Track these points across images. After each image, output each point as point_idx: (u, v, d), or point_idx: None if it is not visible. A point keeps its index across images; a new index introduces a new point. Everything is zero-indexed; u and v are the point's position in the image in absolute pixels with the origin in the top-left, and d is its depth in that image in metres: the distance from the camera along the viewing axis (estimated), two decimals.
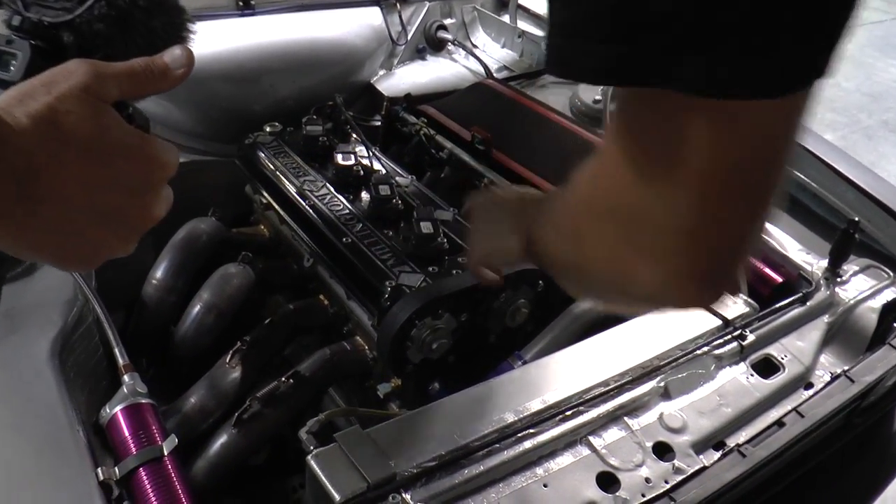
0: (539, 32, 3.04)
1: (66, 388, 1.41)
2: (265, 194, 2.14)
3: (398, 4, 2.92)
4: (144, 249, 2.42)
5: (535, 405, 1.45)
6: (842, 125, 6.48)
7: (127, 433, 1.37)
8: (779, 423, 1.59)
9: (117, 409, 1.41)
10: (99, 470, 1.28)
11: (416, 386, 1.78)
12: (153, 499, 1.29)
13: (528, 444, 1.40)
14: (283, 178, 2.09)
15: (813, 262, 2.03)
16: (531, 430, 1.41)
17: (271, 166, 2.14)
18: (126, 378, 1.45)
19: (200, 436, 1.71)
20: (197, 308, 1.88)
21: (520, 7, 3.11)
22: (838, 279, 1.96)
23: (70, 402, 1.38)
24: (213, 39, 2.46)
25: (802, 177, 2.29)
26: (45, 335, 1.48)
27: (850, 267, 1.99)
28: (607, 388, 1.52)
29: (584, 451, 1.45)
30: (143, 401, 1.43)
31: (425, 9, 3.02)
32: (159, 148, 0.73)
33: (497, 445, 1.37)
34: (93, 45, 1.05)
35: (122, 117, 0.69)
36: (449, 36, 3.04)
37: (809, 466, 1.67)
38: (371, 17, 2.83)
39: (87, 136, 0.65)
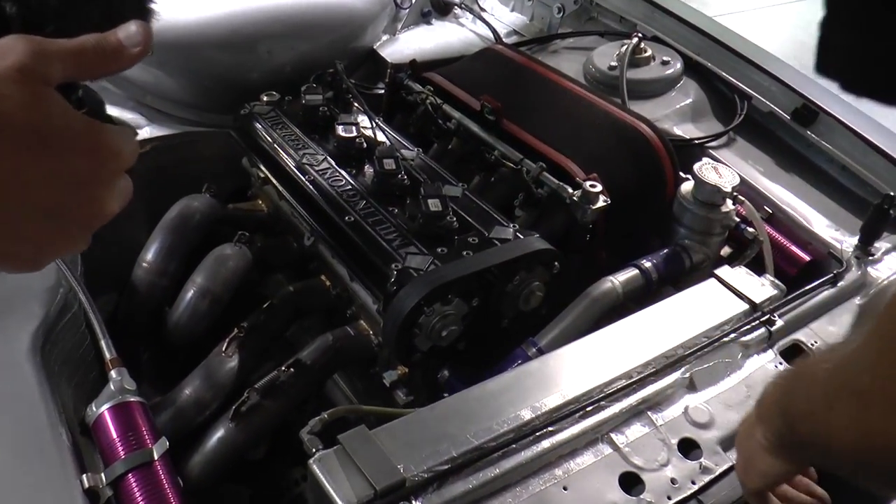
0: None
1: (48, 385, 1.31)
2: (263, 168, 2.02)
3: None
4: (137, 226, 2.30)
5: (554, 400, 1.36)
6: None
7: (114, 435, 1.27)
8: None
9: (104, 408, 1.31)
10: (84, 476, 1.19)
11: (424, 374, 1.68)
12: None
13: (546, 444, 1.31)
14: (281, 150, 1.97)
15: (843, 240, 1.92)
16: (550, 429, 1.32)
17: (269, 138, 2.02)
18: (113, 374, 1.35)
19: (196, 429, 1.61)
20: (190, 293, 1.77)
21: None
22: (870, 258, 1.85)
23: (53, 400, 1.28)
24: (207, 3, 2.33)
25: (830, 147, 2.16)
26: (25, 328, 1.38)
27: (882, 244, 1.88)
28: (629, 381, 1.42)
29: (605, 449, 1.35)
30: (132, 399, 1.33)
31: None
32: (113, 136, 0.64)
33: (514, 446, 1.27)
34: (41, 17, 0.92)
35: (70, 102, 0.60)
36: None
37: None
38: None
39: (26, 123, 0.57)
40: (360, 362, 1.79)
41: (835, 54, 0.71)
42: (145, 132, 2.23)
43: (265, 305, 1.76)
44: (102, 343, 1.39)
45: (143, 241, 2.27)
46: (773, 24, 7.56)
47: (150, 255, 1.83)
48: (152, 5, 0.96)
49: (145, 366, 1.91)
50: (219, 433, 1.57)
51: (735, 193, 1.89)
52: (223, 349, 1.67)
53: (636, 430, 1.39)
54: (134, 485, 1.22)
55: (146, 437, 1.28)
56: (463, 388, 1.60)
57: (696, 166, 1.89)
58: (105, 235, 1.85)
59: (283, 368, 1.62)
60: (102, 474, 1.22)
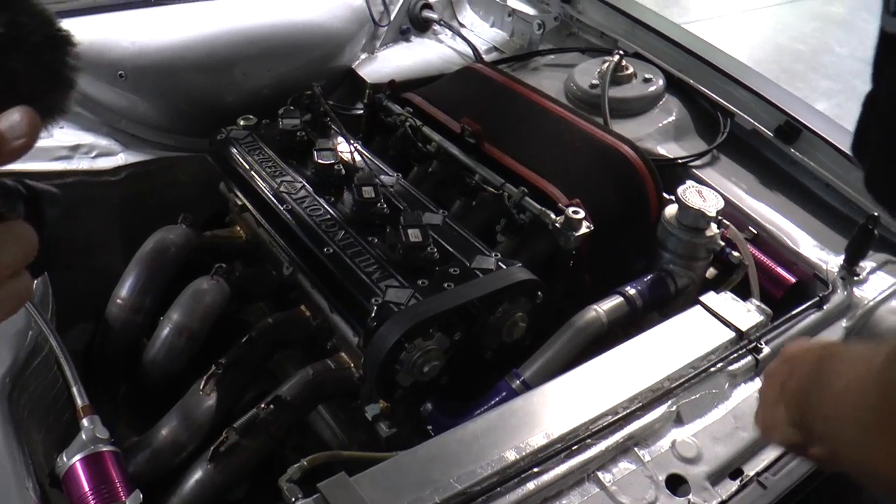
0: (530, 10, 2.87)
1: (15, 436, 1.26)
2: (239, 195, 1.98)
3: None
4: (111, 253, 2.26)
5: (538, 440, 1.33)
6: (836, 92, 6.31)
7: (86, 488, 1.23)
8: None
9: (75, 459, 1.26)
10: None
11: (406, 407, 1.64)
12: None
13: (531, 486, 1.28)
14: (258, 177, 1.94)
15: (828, 260, 1.90)
16: (535, 470, 1.29)
17: (245, 164, 1.98)
18: (85, 422, 1.31)
19: (173, 471, 1.56)
20: (166, 330, 1.73)
21: None
22: (855, 278, 1.83)
23: (20, 452, 1.24)
24: (182, 25, 2.29)
25: (813, 164, 2.15)
26: None
27: (867, 264, 1.87)
28: (616, 417, 1.40)
29: (592, 489, 1.32)
30: (105, 448, 1.28)
31: None
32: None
33: (498, 489, 1.25)
34: None
35: None
36: (434, 15, 2.86)
37: (836, 494, 1.55)
38: None
39: None
40: (342, 395, 1.75)
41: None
42: (120, 158, 2.18)
43: (244, 340, 1.71)
44: (74, 390, 1.35)
45: (118, 269, 2.23)
46: (753, 28, 7.59)
47: (124, 291, 1.78)
48: (71, 74, 0.79)
49: (121, 401, 1.87)
50: (197, 475, 1.53)
51: (719, 217, 1.86)
52: (201, 387, 1.62)
53: (623, 468, 1.36)
54: None
55: (119, 489, 1.24)
56: (446, 421, 1.59)
57: (679, 190, 1.87)
58: (79, 264, 1.82)
59: (263, 406, 1.58)
60: None
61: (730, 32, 7.19)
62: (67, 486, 1.26)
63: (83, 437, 1.29)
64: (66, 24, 2.19)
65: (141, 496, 1.23)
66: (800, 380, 0.95)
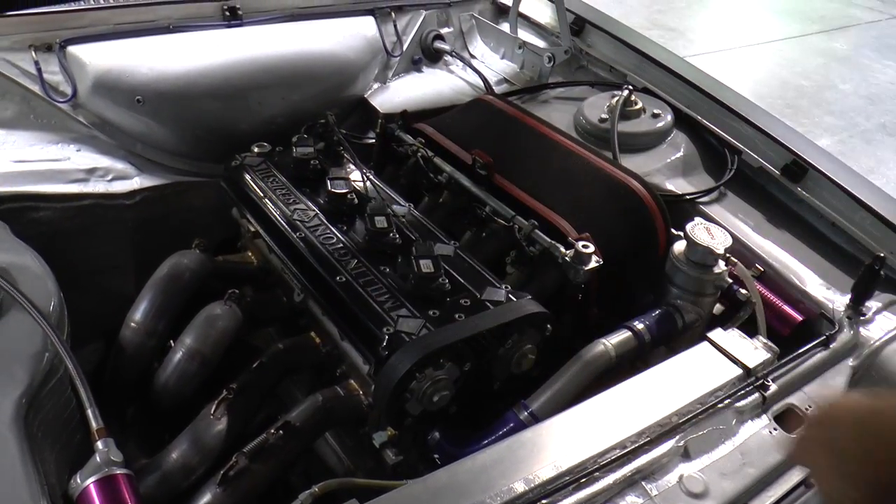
0: (541, 43, 2.91)
1: (30, 456, 1.27)
2: (252, 221, 2.00)
3: (393, 13, 2.79)
4: (124, 275, 2.29)
5: (547, 472, 1.34)
6: (839, 129, 6.38)
7: None
8: (806, 484, 1.49)
9: (89, 481, 1.27)
10: None
11: (414, 436, 1.65)
12: None
13: None
14: (271, 204, 1.96)
15: (834, 299, 1.92)
16: (543, 502, 1.30)
17: (259, 191, 2.01)
18: (99, 445, 1.31)
19: (182, 494, 1.57)
20: (179, 355, 1.74)
21: (520, 15, 2.96)
22: (862, 317, 1.85)
23: (35, 473, 1.25)
24: (199, 53, 2.33)
25: (820, 203, 2.18)
26: (8, 395, 1.34)
27: (873, 304, 1.88)
28: (623, 451, 1.40)
29: None
30: (119, 471, 1.29)
31: (421, 17, 2.89)
32: None
33: None
34: None
35: None
36: (446, 46, 2.91)
37: None
38: (365, 27, 2.70)
39: None
40: (350, 422, 1.76)
41: None
42: (135, 182, 2.22)
43: (254, 365, 1.73)
44: (89, 412, 1.36)
45: (130, 292, 2.25)
46: (757, 63, 7.66)
47: (138, 314, 1.80)
48: None
49: (130, 423, 1.88)
50: (205, 498, 1.54)
51: (727, 255, 1.89)
52: (212, 411, 1.64)
53: (631, 501, 1.37)
54: None
55: None
56: (453, 450, 1.60)
57: (688, 227, 1.89)
58: (92, 286, 1.83)
59: (272, 431, 1.59)
60: None
61: (734, 66, 7.27)
62: None
63: (97, 459, 1.30)
64: (87, 50, 2.24)
65: None
66: (862, 440, 0.95)
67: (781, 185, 2.27)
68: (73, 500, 1.29)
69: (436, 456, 1.64)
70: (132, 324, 1.80)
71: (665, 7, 9.22)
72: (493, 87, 2.79)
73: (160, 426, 1.80)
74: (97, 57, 2.24)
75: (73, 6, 2.27)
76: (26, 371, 1.41)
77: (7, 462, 1.25)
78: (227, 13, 2.43)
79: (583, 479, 1.35)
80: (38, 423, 1.39)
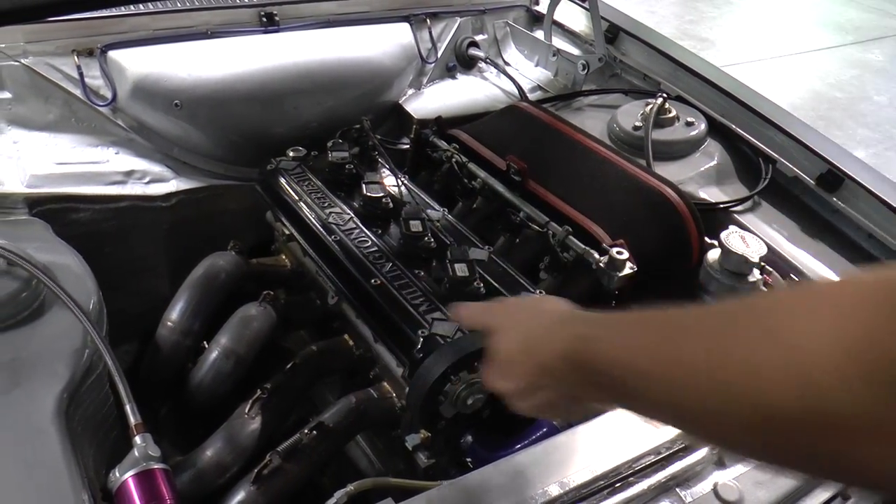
0: (575, 51, 2.91)
1: (72, 450, 1.30)
2: (287, 224, 2.02)
3: (428, 20, 2.81)
4: (158, 277, 2.32)
5: (582, 476, 1.34)
6: (874, 141, 6.31)
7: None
8: (843, 496, 1.47)
9: (128, 475, 1.29)
10: None
11: (447, 439, 1.66)
12: None
13: None
14: (306, 208, 1.98)
15: None
16: None
17: (294, 195, 2.03)
18: (138, 440, 1.33)
19: (215, 491, 1.59)
20: (215, 354, 1.76)
21: (554, 23, 2.97)
22: None
23: (76, 466, 1.27)
24: (236, 58, 2.36)
25: (856, 214, 2.15)
26: (50, 390, 1.37)
27: None
28: (658, 457, 1.40)
29: None
30: (156, 466, 1.31)
31: (456, 24, 2.91)
32: None
33: None
34: None
35: None
36: (480, 53, 2.92)
37: None
38: (400, 34, 2.72)
39: None
40: (383, 425, 1.77)
41: None
42: (172, 185, 2.25)
43: (288, 366, 1.75)
44: (128, 408, 1.38)
45: (163, 293, 2.28)
46: (790, 73, 7.61)
47: (174, 314, 1.83)
48: None
49: (163, 422, 1.90)
50: (239, 496, 1.55)
51: (762, 264, 1.88)
52: (246, 411, 1.65)
53: None
54: None
55: None
56: (485, 454, 1.60)
57: (723, 235, 1.89)
58: (127, 287, 1.86)
59: (306, 431, 1.61)
60: None
61: (766, 77, 7.21)
62: (119, 501, 1.28)
63: (136, 453, 1.32)
64: (127, 55, 2.28)
65: None
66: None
67: (816, 195, 2.26)
68: (111, 494, 1.31)
69: (468, 459, 1.65)
70: (168, 323, 1.82)
71: (697, 17, 9.18)
72: (527, 94, 2.79)
73: (192, 425, 1.83)
74: (137, 62, 2.27)
75: (114, 12, 2.31)
76: (67, 367, 1.43)
77: (49, 455, 1.27)
78: (265, 19, 2.46)
79: (617, 484, 1.35)
80: (78, 418, 1.42)
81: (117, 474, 1.31)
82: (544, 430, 1.63)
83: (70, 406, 1.39)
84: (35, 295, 1.53)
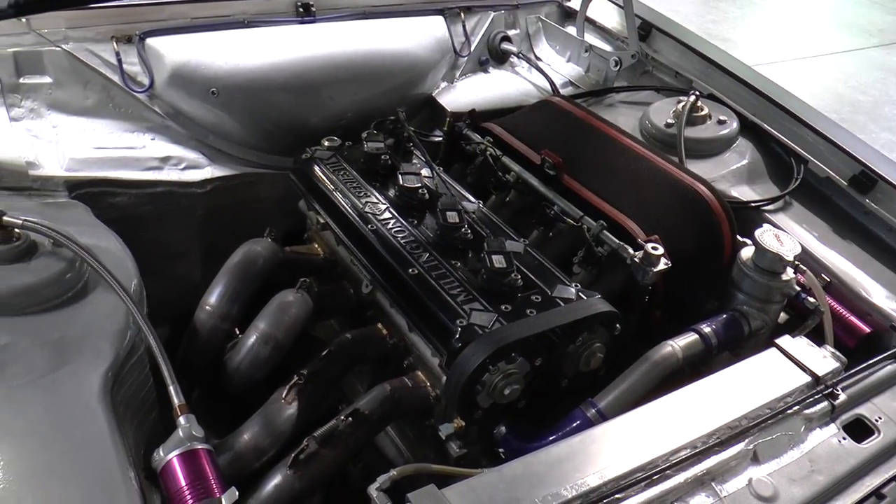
0: (607, 47, 2.92)
1: (118, 429, 1.32)
2: (322, 213, 2.03)
3: (462, 14, 2.82)
4: (192, 262, 2.34)
5: (619, 468, 1.35)
6: None
7: (183, 483, 1.28)
8: (877, 495, 1.47)
9: (172, 455, 1.31)
10: None
11: (481, 429, 1.67)
12: None
13: None
14: (342, 197, 1.99)
15: None
16: (617, 496, 1.30)
17: (330, 184, 2.05)
18: (182, 420, 1.35)
19: (252, 474, 1.61)
20: (253, 339, 1.78)
21: (587, 19, 2.97)
22: None
23: (122, 443, 1.29)
24: (272, 47, 2.38)
25: (888, 215, 2.15)
26: (96, 369, 1.39)
27: None
28: (694, 451, 1.41)
29: None
30: (200, 446, 1.33)
31: (490, 19, 2.92)
32: None
33: None
34: None
35: None
36: (513, 48, 2.93)
37: None
38: (434, 27, 2.74)
39: None
40: (416, 413, 1.79)
41: None
42: (207, 171, 2.27)
43: (323, 353, 1.76)
44: (171, 389, 1.40)
45: (196, 278, 2.31)
46: (812, 76, 7.56)
47: (213, 298, 1.84)
48: None
49: (196, 406, 1.92)
50: (276, 480, 1.57)
51: (796, 262, 1.88)
52: (283, 396, 1.67)
53: (700, 501, 1.37)
54: None
55: (214, 486, 1.28)
56: (519, 445, 1.62)
57: (757, 233, 1.89)
58: (161, 271, 1.88)
59: (342, 417, 1.62)
60: None
61: (789, 78, 7.16)
62: (164, 479, 1.30)
63: (180, 433, 1.34)
64: (165, 42, 2.30)
65: (237, 494, 1.27)
66: None
67: (849, 195, 2.26)
68: (155, 473, 1.33)
69: (501, 450, 1.66)
70: (207, 307, 1.84)
71: (719, 17, 9.15)
72: (559, 90, 2.80)
73: (222, 409, 1.84)
74: (175, 49, 2.29)
75: (153, 0, 2.33)
76: (111, 347, 1.46)
77: (96, 433, 1.29)
78: (301, 9, 2.48)
79: (655, 476, 1.35)
80: (120, 398, 1.44)
81: (161, 454, 1.33)
82: (578, 422, 1.64)
83: (114, 386, 1.41)
84: (79, 276, 1.56)
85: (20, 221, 1.51)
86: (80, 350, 1.43)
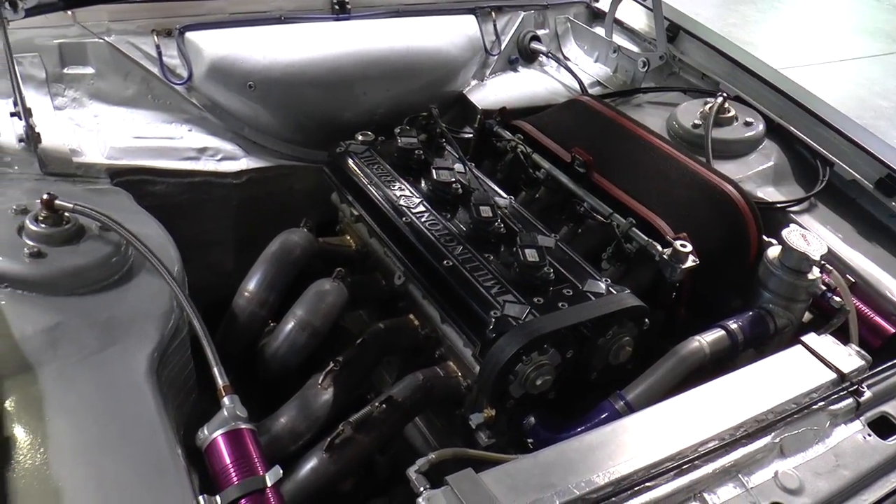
0: (634, 48, 2.95)
1: (164, 407, 1.36)
2: (355, 205, 2.08)
3: (493, 13, 2.86)
4: (225, 251, 2.39)
5: (649, 457, 1.38)
6: None
7: (228, 461, 1.32)
8: None
9: (217, 433, 1.35)
10: (201, 498, 1.23)
11: (510, 419, 1.71)
12: None
13: (643, 499, 1.33)
14: (376, 190, 2.04)
15: None
16: (648, 484, 1.34)
17: (364, 178, 2.09)
18: (226, 401, 1.39)
19: (288, 457, 1.65)
20: (290, 325, 1.83)
21: (615, 21, 3.01)
22: None
23: (169, 421, 1.34)
24: (308, 43, 2.43)
25: None
26: (142, 349, 1.44)
27: None
28: (722, 443, 1.44)
29: None
30: (244, 426, 1.37)
31: (520, 18, 2.96)
32: None
33: (613, 499, 1.30)
34: None
35: None
36: (542, 48, 2.96)
37: None
38: (466, 26, 2.78)
39: None
40: (447, 402, 1.83)
41: None
42: (242, 163, 2.32)
43: (358, 341, 1.81)
44: (215, 370, 1.44)
45: (229, 267, 2.36)
46: (835, 80, 7.54)
47: (251, 285, 1.89)
48: None
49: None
50: (312, 463, 1.62)
51: (822, 262, 1.91)
52: (319, 382, 1.71)
53: (727, 491, 1.41)
54: None
55: (258, 464, 1.32)
56: (548, 435, 1.66)
57: (784, 232, 1.92)
58: (196, 259, 1.94)
59: (377, 404, 1.66)
60: (217, 497, 1.25)
61: (811, 83, 7.15)
62: (209, 457, 1.34)
63: (224, 413, 1.38)
64: (203, 36, 2.36)
65: (281, 471, 1.31)
66: None
67: (874, 198, 2.28)
68: (200, 451, 1.37)
69: (530, 441, 1.70)
70: (245, 293, 1.89)
71: (740, 20, 9.13)
72: (587, 89, 2.84)
73: (255, 396, 1.89)
74: (213, 43, 2.35)
75: None
76: (157, 328, 1.51)
77: (145, 411, 1.34)
78: (336, 7, 2.52)
79: (684, 466, 1.39)
80: (164, 379, 1.48)
81: (206, 432, 1.37)
82: (606, 414, 1.68)
83: (158, 367, 1.46)
84: (125, 260, 1.61)
85: (71, 205, 1.57)
86: (128, 331, 1.48)
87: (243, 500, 1.27)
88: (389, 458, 1.91)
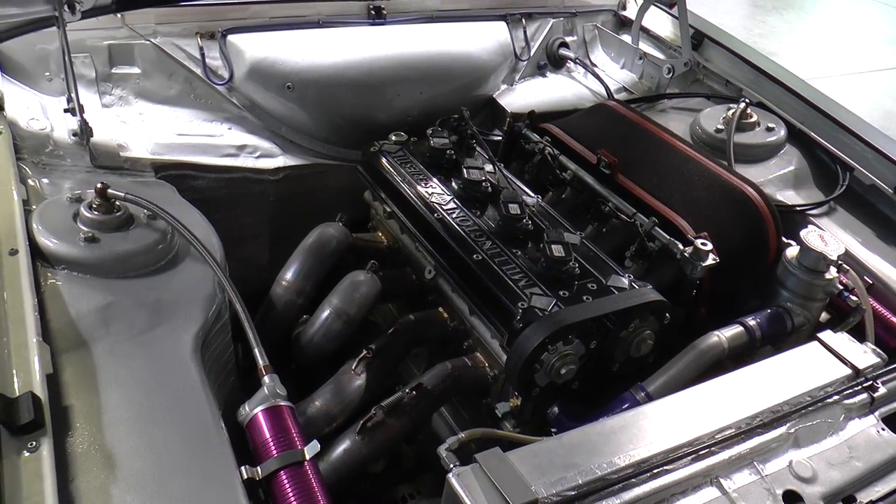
0: (660, 55, 3.02)
1: (209, 384, 1.45)
2: (388, 202, 2.16)
3: (523, 19, 2.94)
4: (261, 244, 2.49)
5: (668, 442, 1.44)
6: None
7: (268, 435, 1.40)
8: None
9: (258, 409, 1.43)
10: (243, 468, 1.31)
11: (535, 408, 1.78)
12: (293, 501, 1.31)
13: (662, 482, 1.39)
14: (409, 187, 2.12)
15: None
16: (666, 467, 1.40)
17: (397, 176, 2.17)
18: (266, 380, 1.48)
19: (322, 439, 1.73)
20: (326, 313, 1.91)
21: (641, 28, 3.08)
22: None
23: (213, 398, 1.42)
24: (345, 47, 2.52)
25: None
26: (188, 330, 1.53)
27: None
28: (738, 431, 1.50)
29: (714, 492, 1.43)
30: (284, 403, 1.45)
31: (549, 25, 3.04)
32: None
33: (633, 480, 1.36)
34: None
35: None
36: (570, 54, 3.04)
37: None
38: (497, 32, 2.87)
39: None
40: (474, 391, 1.90)
41: None
42: (279, 160, 2.42)
43: (390, 331, 1.89)
44: (256, 351, 1.53)
45: (264, 261, 2.46)
46: (860, 91, 7.53)
47: (289, 274, 1.98)
48: None
49: None
50: (344, 445, 1.70)
51: (840, 262, 1.96)
52: (353, 368, 1.80)
53: (743, 478, 1.46)
54: (286, 481, 1.34)
55: (296, 439, 1.40)
56: (571, 424, 1.72)
57: (802, 233, 1.97)
58: (232, 252, 2.04)
59: (407, 391, 1.74)
60: (258, 468, 1.34)
61: (836, 94, 7.15)
62: (250, 431, 1.42)
63: (265, 391, 1.46)
64: (245, 39, 2.46)
65: (318, 446, 1.39)
66: None
67: (893, 203, 2.32)
68: (242, 427, 1.45)
69: (553, 430, 1.76)
70: (283, 282, 1.98)
71: (766, 31, 9.15)
72: (614, 95, 2.90)
73: (292, 380, 1.97)
74: (254, 46, 2.45)
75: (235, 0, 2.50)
76: (201, 311, 1.60)
77: (191, 387, 1.42)
78: (373, 12, 2.62)
79: (701, 452, 1.45)
80: (206, 359, 1.57)
81: (248, 409, 1.45)
82: (627, 404, 1.74)
83: (202, 348, 1.54)
84: (171, 247, 1.71)
85: (122, 194, 1.67)
86: (174, 312, 1.57)
87: (282, 472, 1.35)
88: (416, 447, 1.99)
